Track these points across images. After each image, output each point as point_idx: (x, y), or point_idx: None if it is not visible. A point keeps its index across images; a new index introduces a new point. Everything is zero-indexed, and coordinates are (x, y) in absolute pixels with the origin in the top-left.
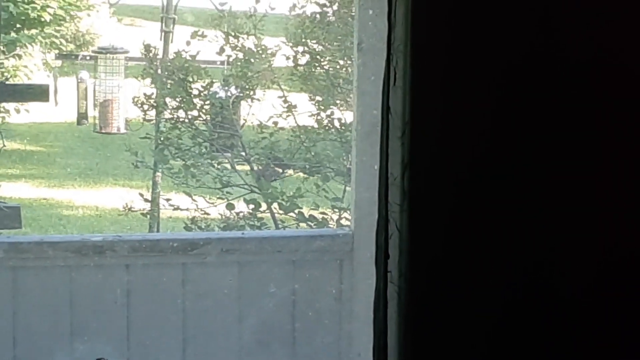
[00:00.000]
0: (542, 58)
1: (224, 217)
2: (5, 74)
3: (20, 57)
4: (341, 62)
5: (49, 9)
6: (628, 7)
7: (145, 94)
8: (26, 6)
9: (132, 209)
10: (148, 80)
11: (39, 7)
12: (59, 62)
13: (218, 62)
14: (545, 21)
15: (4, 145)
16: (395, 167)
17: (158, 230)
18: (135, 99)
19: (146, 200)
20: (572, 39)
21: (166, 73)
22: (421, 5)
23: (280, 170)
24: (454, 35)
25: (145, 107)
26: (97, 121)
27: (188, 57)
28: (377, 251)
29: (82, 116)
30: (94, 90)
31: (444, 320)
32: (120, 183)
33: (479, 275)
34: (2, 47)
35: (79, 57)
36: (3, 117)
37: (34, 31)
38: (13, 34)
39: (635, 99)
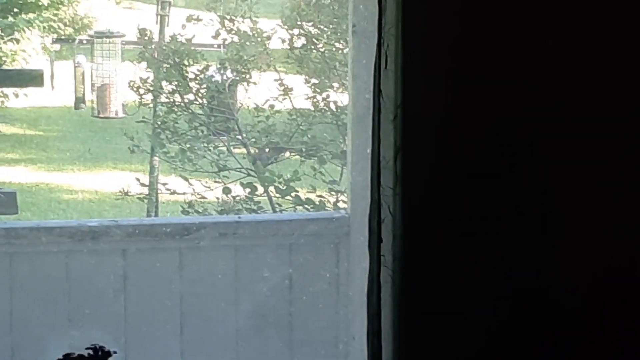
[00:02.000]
0: (538, 48)
1: (221, 200)
2: (4, 58)
3: (18, 41)
4: (337, 44)
5: None
6: (625, 12)
7: (141, 78)
8: None
9: (129, 193)
10: (144, 64)
11: None
12: (57, 46)
13: (215, 46)
14: (537, 11)
15: None
16: (388, 150)
17: (156, 215)
18: (132, 83)
19: (143, 184)
20: (568, 42)
21: (162, 57)
22: None
23: (277, 154)
24: (445, 18)
25: (142, 91)
26: (94, 105)
27: (183, 41)
28: (370, 235)
29: (79, 100)
30: (91, 75)
31: (437, 304)
32: (120, 167)
33: (473, 259)
34: None
35: (76, 42)
36: (2, 102)
37: (31, 15)
38: (10, 18)
39: (628, 104)
